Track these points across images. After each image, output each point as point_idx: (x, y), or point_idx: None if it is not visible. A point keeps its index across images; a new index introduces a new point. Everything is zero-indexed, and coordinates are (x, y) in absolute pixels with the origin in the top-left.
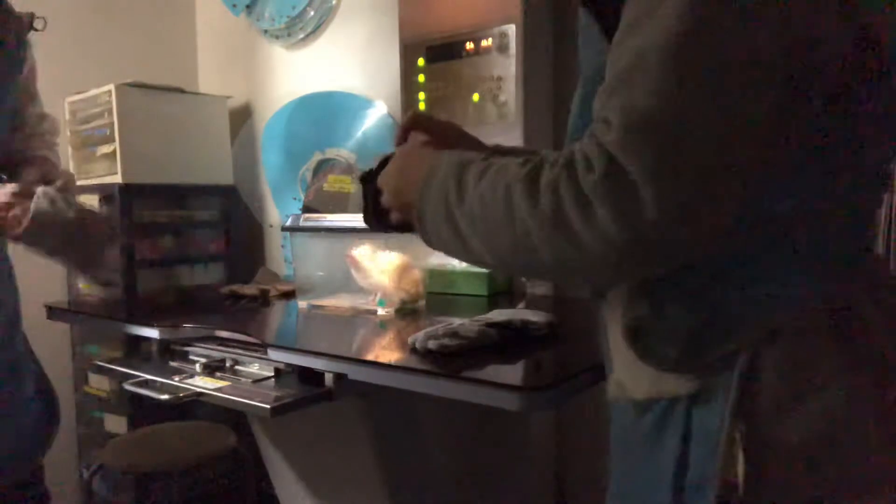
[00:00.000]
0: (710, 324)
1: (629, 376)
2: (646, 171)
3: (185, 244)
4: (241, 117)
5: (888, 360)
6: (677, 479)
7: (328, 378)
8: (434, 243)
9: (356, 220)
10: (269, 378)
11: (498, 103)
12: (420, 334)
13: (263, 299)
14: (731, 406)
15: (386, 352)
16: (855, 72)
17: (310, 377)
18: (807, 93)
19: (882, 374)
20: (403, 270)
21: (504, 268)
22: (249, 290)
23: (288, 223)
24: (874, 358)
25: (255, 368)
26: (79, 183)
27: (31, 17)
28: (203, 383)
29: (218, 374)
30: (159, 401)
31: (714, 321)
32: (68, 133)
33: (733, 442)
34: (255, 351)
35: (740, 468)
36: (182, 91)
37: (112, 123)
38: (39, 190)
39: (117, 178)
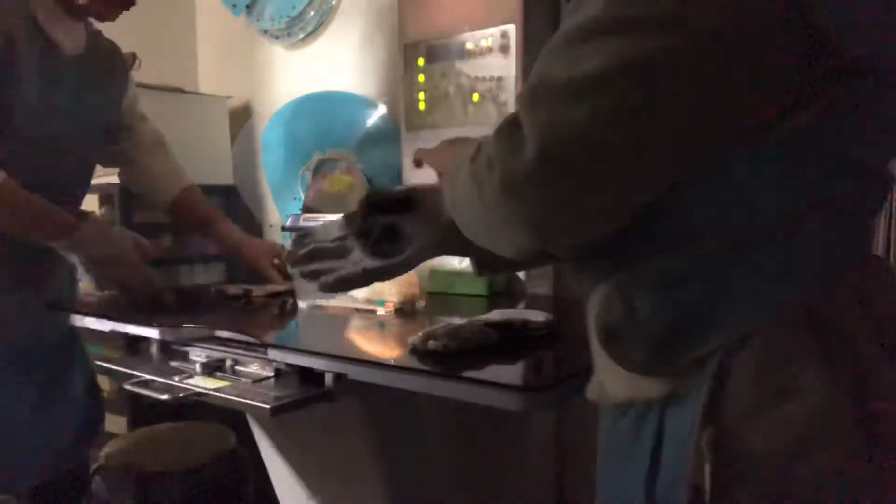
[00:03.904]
0: (681, 328)
1: (608, 379)
2: (534, 124)
3: (185, 244)
4: (241, 117)
5: (867, 363)
6: (650, 482)
7: (328, 378)
8: (447, 197)
9: None
10: (269, 378)
11: (498, 103)
12: (420, 334)
13: (246, 299)
14: (701, 410)
15: (386, 352)
16: (819, 77)
17: (310, 377)
18: (745, 100)
19: (860, 378)
20: None
21: (471, 233)
22: (234, 289)
23: (288, 223)
24: (852, 361)
25: (255, 368)
26: None
27: (133, 56)
28: (203, 383)
29: (218, 374)
30: (159, 401)
31: (685, 325)
32: None
33: (702, 446)
34: (255, 351)
35: (707, 473)
36: (182, 91)
37: None
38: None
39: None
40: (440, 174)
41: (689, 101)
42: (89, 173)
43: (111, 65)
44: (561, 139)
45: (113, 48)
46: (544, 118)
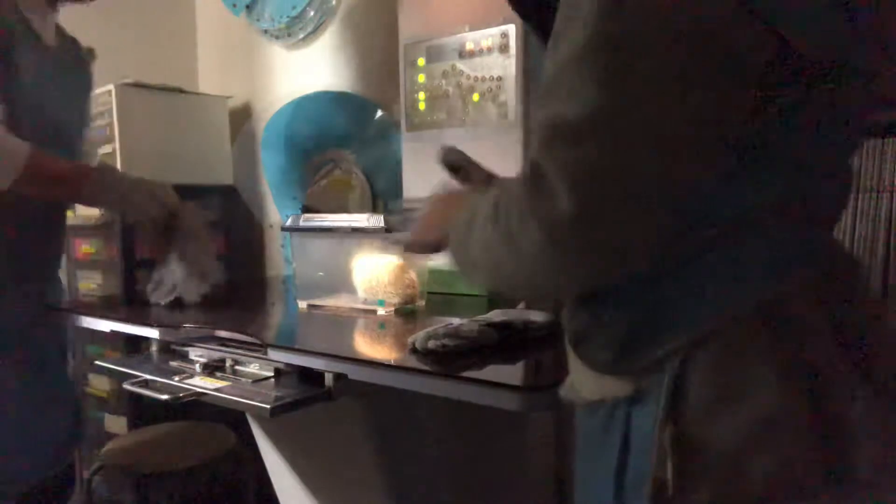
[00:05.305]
0: (642, 328)
1: (579, 378)
2: (559, 170)
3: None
4: (241, 117)
5: (821, 361)
6: (618, 478)
7: (328, 378)
8: (455, 262)
9: (356, 220)
10: (269, 378)
11: (498, 103)
12: (420, 334)
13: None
14: (662, 408)
15: (386, 352)
16: (780, 80)
17: (310, 377)
18: (731, 100)
19: (813, 377)
20: (401, 271)
21: (495, 285)
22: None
23: (288, 223)
24: (805, 360)
25: (255, 368)
26: None
27: (92, 51)
28: (203, 383)
29: (218, 374)
30: (159, 401)
31: (646, 326)
32: None
33: (664, 442)
34: (255, 351)
35: (669, 469)
36: (182, 91)
37: (112, 123)
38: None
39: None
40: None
41: (682, 109)
42: None
43: (80, 58)
44: (592, 178)
45: (76, 42)
46: (568, 161)
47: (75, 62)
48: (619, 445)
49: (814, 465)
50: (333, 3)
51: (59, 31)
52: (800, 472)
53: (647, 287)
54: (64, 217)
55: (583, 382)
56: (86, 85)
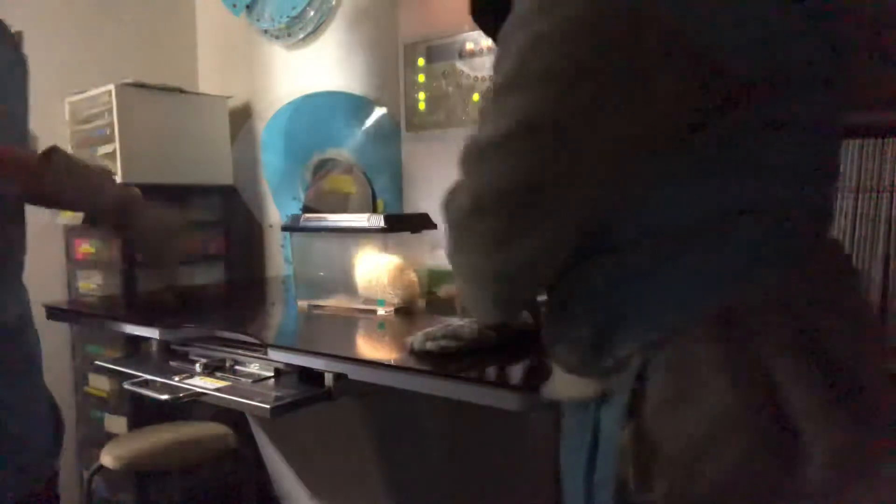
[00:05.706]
0: (604, 332)
1: (557, 379)
2: (466, 179)
3: (184, 244)
4: (241, 117)
5: (775, 367)
6: (587, 475)
7: (328, 378)
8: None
9: (356, 220)
10: (269, 378)
11: None
12: (418, 336)
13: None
14: (624, 408)
15: (386, 352)
16: (713, 101)
17: (310, 377)
18: (639, 126)
19: (764, 382)
20: (400, 272)
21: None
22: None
23: (288, 223)
24: (756, 365)
25: (255, 368)
26: None
27: (19, 32)
28: (203, 383)
29: (218, 374)
30: (159, 401)
31: (608, 329)
32: (68, 133)
33: (625, 442)
34: (255, 351)
35: (630, 467)
36: (182, 91)
37: (112, 123)
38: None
39: (117, 179)
40: None
41: (598, 139)
42: None
43: (15, 43)
44: (490, 183)
45: (4, 24)
46: (476, 175)
47: (10, 46)
48: (588, 444)
49: (763, 472)
50: (333, 3)
51: None
52: (749, 477)
53: (610, 293)
54: (23, 215)
55: (559, 382)
56: (24, 70)
